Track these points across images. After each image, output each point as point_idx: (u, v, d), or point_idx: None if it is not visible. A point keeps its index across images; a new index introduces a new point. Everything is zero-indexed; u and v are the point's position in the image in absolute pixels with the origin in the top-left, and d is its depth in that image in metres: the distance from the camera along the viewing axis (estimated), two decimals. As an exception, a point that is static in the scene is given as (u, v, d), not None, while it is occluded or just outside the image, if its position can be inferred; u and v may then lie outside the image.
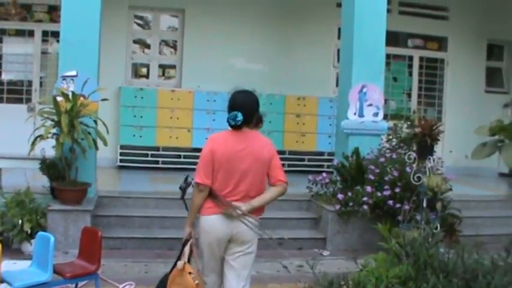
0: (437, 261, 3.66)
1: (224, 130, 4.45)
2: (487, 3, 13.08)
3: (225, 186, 4.26)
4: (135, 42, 12.22)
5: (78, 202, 7.32)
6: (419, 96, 13.33)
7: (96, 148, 7.56)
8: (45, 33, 11.24)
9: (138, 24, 12.35)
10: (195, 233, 4.42)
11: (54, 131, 7.28)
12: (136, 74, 12.36)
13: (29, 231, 6.81)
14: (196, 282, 4.19)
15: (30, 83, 11.38)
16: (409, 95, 13.29)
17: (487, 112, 13.21)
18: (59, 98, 7.19)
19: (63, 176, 7.44)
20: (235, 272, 4.37)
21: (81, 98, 7.32)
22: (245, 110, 4.28)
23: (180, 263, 4.28)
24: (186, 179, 4.68)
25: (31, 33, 11.29)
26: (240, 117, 4.22)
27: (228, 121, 4.31)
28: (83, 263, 5.10)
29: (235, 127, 4.30)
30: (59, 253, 6.85)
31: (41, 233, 5.11)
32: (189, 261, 4.35)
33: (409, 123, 9.14)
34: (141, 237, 7.61)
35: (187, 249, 4.36)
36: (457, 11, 13.19)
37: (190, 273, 4.23)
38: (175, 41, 12.31)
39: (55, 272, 4.82)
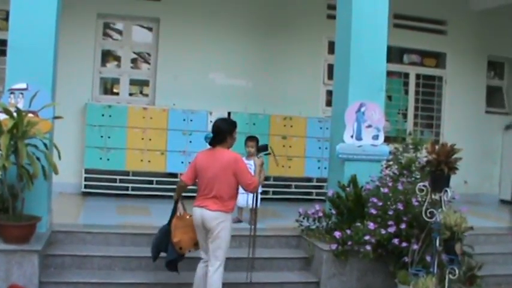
0: None
1: (201, 150, 5.98)
2: (487, 16, 12.23)
3: (200, 187, 5.76)
4: (104, 54, 11.02)
5: (24, 240, 6.09)
6: (415, 116, 12.34)
7: (45, 176, 6.30)
8: (3, 43, 10.01)
9: (108, 35, 11.19)
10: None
11: (-5, 154, 6.06)
12: (105, 90, 11.19)
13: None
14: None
15: (-16, 98, 10.15)
16: (405, 115, 12.28)
17: (487, 134, 12.51)
18: (2, 116, 5.99)
19: (7, 209, 6.21)
20: (210, 252, 5.66)
21: (30, 115, 6.14)
22: (217, 132, 5.73)
23: (180, 210, 5.95)
24: (267, 146, 6.71)
25: (-14, 43, 10.09)
26: (210, 135, 5.70)
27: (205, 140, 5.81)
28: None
29: (210, 144, 5.77)
30: (-1, 304, 5.79)
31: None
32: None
33: (411, 146, 8.16)
34: (100, 282, 6.33)
35: (180, 204, 5.99)
36: (455, 25, 12.32)
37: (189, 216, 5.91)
38: (149, 54, 11.18)
39: None
